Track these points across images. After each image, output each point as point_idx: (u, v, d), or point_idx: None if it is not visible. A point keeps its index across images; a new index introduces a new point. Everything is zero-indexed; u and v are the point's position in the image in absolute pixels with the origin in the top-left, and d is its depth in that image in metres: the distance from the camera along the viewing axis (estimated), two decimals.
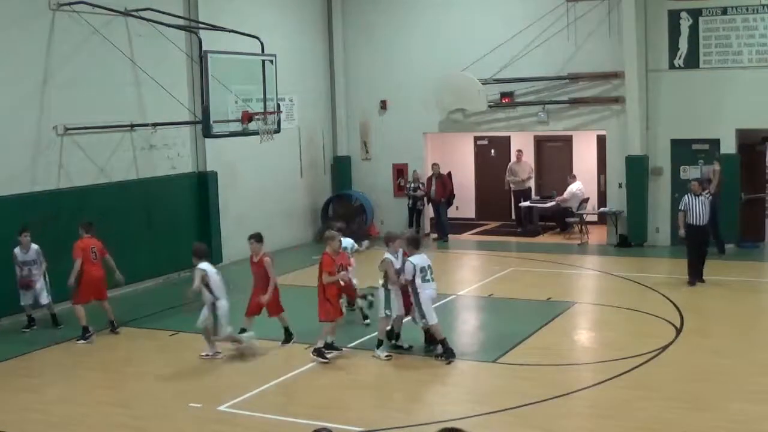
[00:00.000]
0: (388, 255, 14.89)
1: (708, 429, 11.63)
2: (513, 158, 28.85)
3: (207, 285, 14.74)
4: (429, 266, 14.77)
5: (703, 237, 19.99)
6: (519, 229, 28.23)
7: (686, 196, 19.85)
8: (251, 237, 15.72)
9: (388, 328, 15.18)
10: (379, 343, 14.96)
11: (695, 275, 19.88)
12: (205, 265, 14.86)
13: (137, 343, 16.51)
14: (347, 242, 16.91)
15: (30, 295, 17.37)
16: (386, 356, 14.80)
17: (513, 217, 29.13)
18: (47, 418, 12.71)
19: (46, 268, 17.50)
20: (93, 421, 12.63)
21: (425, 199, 27.15)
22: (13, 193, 18.34)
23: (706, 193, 19.87)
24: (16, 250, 17.23)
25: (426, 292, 14.59)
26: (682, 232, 19.90)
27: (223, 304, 14.83)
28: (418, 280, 14.51)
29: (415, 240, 15.24)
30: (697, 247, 19.94)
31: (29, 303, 17.51)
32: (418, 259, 14.68)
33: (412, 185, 27.22)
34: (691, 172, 23.81)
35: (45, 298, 17.45)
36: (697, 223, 19.70)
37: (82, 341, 16.41)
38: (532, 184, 29.05)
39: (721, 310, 17.89)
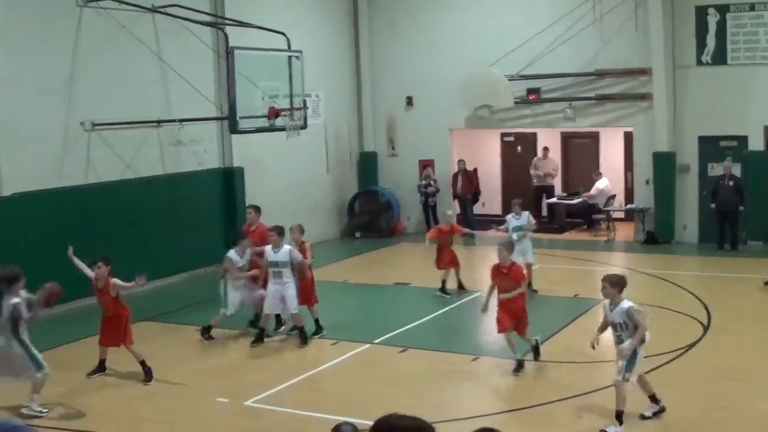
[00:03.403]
0: None
1: (733, 428, 11.58)
2: (539, 154, 28.79)
3: None
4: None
5: None
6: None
7: None
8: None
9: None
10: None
11: None
12: None
13: (163, 338, 16.57)
14: None
15: None
16: None
17: (543, 213, 29.02)
18: (74, 411, 12.78)
19: None
20: (120, 414, 12.71)
21: (436, 195, 27.12)
22: (41, 188, 18.46)
23: None
24: None
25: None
26: None
27: None
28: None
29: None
30: None
31: None
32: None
33: (423, 182, 27.23)
34: (718, 169, 23.69)
35: None
36: None
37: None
38: (557, 181, 28.97)
39: (750, 308, 17.76)
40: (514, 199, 19.86)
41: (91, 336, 16.67)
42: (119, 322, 13.99)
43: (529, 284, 18.06)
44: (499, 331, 13.91)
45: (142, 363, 14.01)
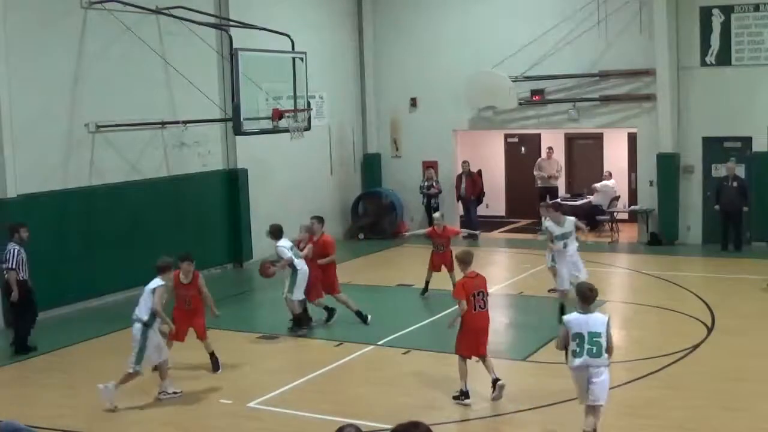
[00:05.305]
0: None
1: (738, 429, 11.58)
2: (543, 155, 28.73)
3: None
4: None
5: None
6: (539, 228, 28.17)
7: None
8: (313, 218, 17.57)
9: None
10: None
11: None
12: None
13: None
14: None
15: None
16: None
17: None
18: (78, 414, 12.80)
19: None
20: (124, 415, 12.71)
21: (438, 196, 27.14)
22: (45, 190, 18.48)
23: None
24: None
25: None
26: None
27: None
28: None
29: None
30: None
31: None
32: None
33: (425, 183, 27.25)
34: (722, 170, 23.65)
35: None
36: None
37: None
38: (560, 182, 28.92)
39: (753, 309, 17.71)
40: (550, 204, 18.13)
41: (93, 338, 16.78)
42: (199, 316, 14.37)
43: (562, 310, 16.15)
44: (459, 352, 12.81)
45: (212, 354, 14.48)
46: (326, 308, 17.12)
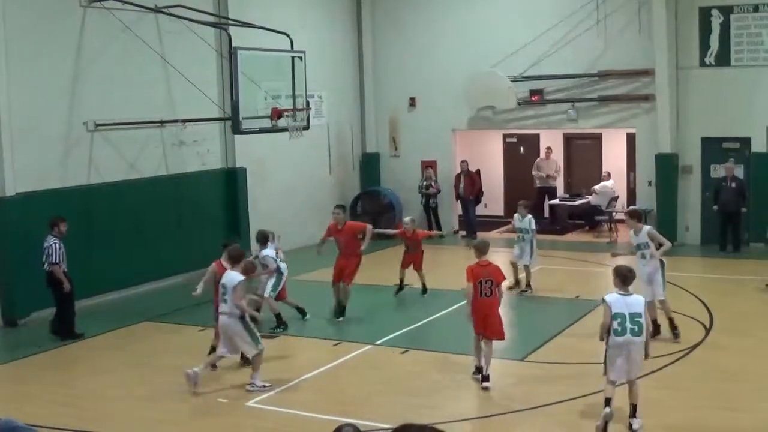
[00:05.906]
0: None
1: (738, 429, 11.58)
2: (542, 155, 28.74)
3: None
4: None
5: None
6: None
7: None
8: (337, 206, 18.25)
9: None
10: None
11: None
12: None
13: (166, 339, 16.61)
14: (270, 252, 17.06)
15: None
16: None
17: (545, 215, 28.88)
18: (77, 411, 12.81)
19: None
20: (122, 414, 12.72)
21: (437, 196, 27.17)
22: (43, 188, 18.47)
23: None
24: None
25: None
26: None
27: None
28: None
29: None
30: None
31: None
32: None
33: (424, 183, 27.26)
34: (721, 171, 23.65)
35: None
36: None
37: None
38: (559, 182, 28.92)
39: (752, 310, 17.75)
40: (630, 212, 16.63)
41: (93, 336, 16.78)
42: None
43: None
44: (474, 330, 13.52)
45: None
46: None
